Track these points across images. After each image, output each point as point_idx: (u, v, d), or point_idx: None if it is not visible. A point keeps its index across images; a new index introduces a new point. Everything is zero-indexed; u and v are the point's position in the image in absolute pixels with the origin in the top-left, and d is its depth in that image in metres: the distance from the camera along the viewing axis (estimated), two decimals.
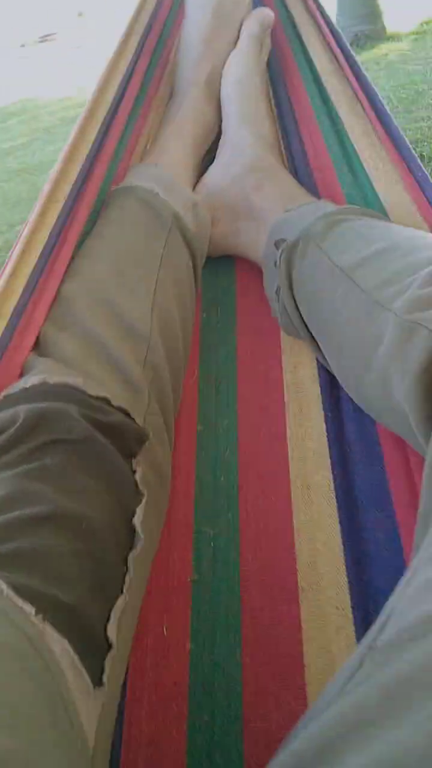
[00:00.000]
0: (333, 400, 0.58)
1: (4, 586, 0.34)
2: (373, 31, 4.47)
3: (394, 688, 0.26)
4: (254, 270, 0.67)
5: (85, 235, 0.62)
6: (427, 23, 4.55)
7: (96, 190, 0.63)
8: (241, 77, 0.73)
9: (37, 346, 0.53)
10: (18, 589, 0.34)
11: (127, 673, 0.44)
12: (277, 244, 0.61)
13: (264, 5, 0.77)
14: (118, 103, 0.69)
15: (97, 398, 0.47)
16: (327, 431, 0.56)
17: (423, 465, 0.38)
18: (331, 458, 0.54)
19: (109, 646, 0.38)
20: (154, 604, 0.48)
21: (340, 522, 0.50)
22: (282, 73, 0.76)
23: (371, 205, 0.63)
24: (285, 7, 0.78)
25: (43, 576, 0.36)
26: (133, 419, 0.48)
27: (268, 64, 0.77)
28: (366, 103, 0.68)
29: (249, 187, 0.67)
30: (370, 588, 0.46)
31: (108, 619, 0.39)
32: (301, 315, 0.59)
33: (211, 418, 0.60)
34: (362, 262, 0.52)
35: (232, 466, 0.56)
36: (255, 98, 0.72)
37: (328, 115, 0.70)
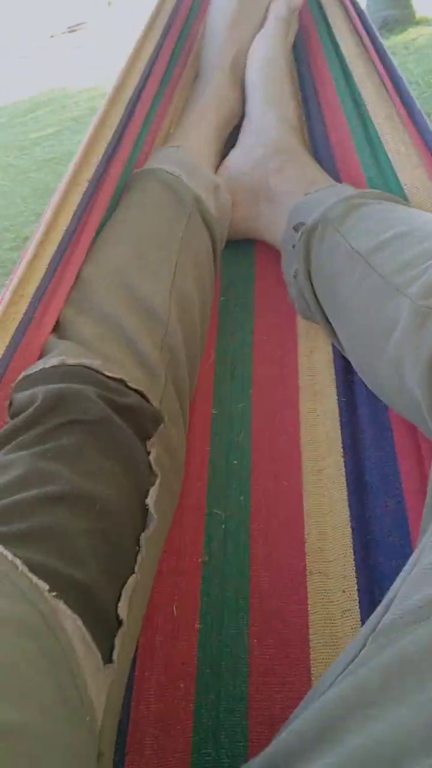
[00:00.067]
0: (347, 384, 0.58)
1: (20, 563, 0.34)
2: (403, 15, 4.41)
3: (396, 670, 0.26)
4: (273, 254, 0.67)
5: (107, 217, 0.62)
6: None
7: (118, 173, 0.63)
8: (267, 60, 0.72)
9: (57, 328, 0.53)
10: (33, 567, 0.35)
11: (136, 651, 0.45)
12: (296, 228, 0.61)
13: None
14: (142, 88, 0.69)
15: (114, 380, 0.47)
16: (340, 416, 0.56)
17: None
18: (343, 443, 0.54)
19: (120, 624, 0.38)
20: (165, 584, 0.48)
21: (350, 506, 0.50)
22: (307, 56, 0.76)
23: (392, 189, 0.63)
24: None
25: (58, 554, 0.37)
26: (149, 401, 0.49)
27: (294, 46, 0.76)
28: (390, 87, 0.67)
29: (270, 171, 0.67)
30: (376, 572, 0.46)
31: (119, 598, 0.39)
32: (317, 299, 0.59)
33: (226, 401, 0.60)
34: (380, 246, 0.52)
35: (246, 449, 0.56)
36: (280, 81, 0.72)
37: (352, 98, 0.70)
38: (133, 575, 0.41)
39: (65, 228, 0.57)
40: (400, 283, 0.47)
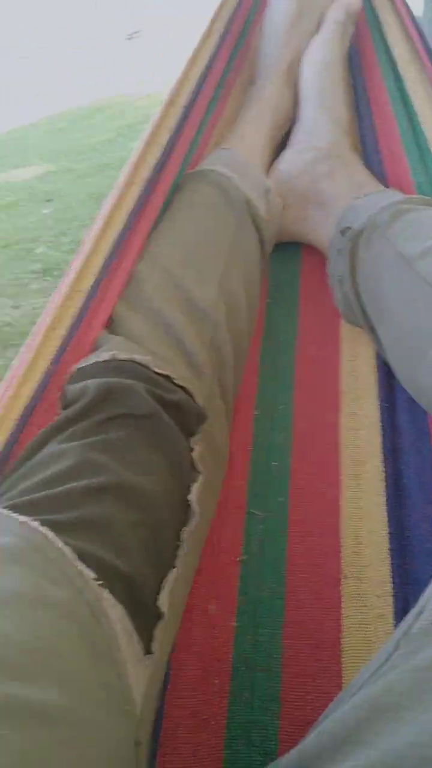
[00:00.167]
0: (389, 390, 0.58)
1: (68, 551, 0.35)
2: None
3: (426, 674, 0.26)
4: (320, 257, 0.67)
5: (160, 217, 0.63)
6: None
7: (173, 174, 0.65)
8: (323, 63, 0.73)
9: (109, 324, 0.55)
10: (80, 555, 0.36)
11: (173, 646, 0.45)
12: (343, 232, 0.61)
13: None
14: (198, 92, 0.70)
15: (163, 376, 0.48)
16: (381, 420, 0.56)
17: None
18: (382, 448, 0.54)
19: (160, 617, 0.39)
20: (204, 581, 0.49)
21: (387, 511, 0.50)
22: (360, 60, 0.76)
23: None
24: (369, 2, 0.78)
25: (104, 544, 0.38)
26: (195, 399, 0.50)
27: (348, 51, 0.77)
28: None
29: (320, 174, 0.67)
30: (412, 578, 0.46)
31: (160, 590, 0.40)
32: (362, 303, 0.59)
33: (268, 403, 0.60)
34: (426, 252, 0.52)
35: (286, 451, 0.56)
36: (335, 84, 0.72)
37: (403, 104, 0.70)
38: (175, 569, 0.42)
39: (120, 226, 0.59)
40: None
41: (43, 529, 0.36)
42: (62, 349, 0.52)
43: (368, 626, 0.45)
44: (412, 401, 0.55)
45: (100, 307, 0.55)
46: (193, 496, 0.45)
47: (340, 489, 0.53)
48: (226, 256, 0.59)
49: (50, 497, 0.39)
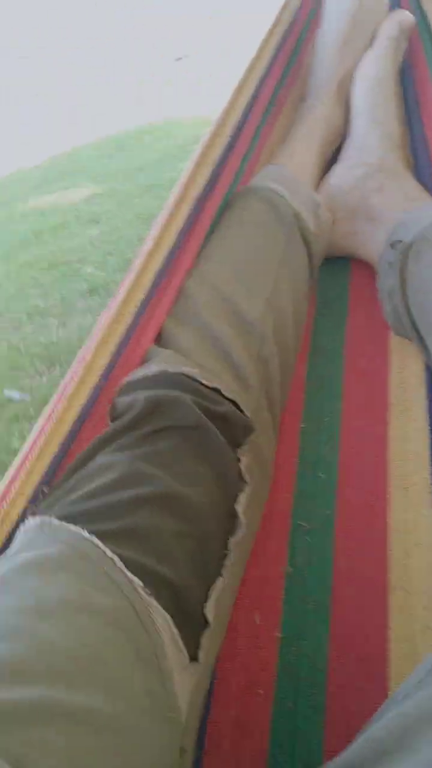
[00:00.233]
0: None
1: (117, 560, 0.36)
2: None
3: None
4: (369, 271, 0.68)
5: (210, 234, 0.64)
6: None
7: (223, 192, 0.66)
8: (376, 80, 0.73)
9: (158, 338, 0.56)
10: (128, 563, 0.37)
11: (218, 655, 0.46)
12: (393, 245, 0.61)
13: (401, 7, 0.77)
14: (250, 107, 0.71)
15: (210, 389, 0.49)
16: (430, 433, 0.56)
17: None
18: (431, 461, 0.54)
19: (206, 625, 0.40)
20: (249, 591, 0.49)
21: None
22: (413, 75, 0.76)
23: None
24: (420, 8, 0.77)
25: (152, 553, 0.39)
26: (242, 411, 0.50)
27: (401, 67, 0.76)
28: None
29: (371, 189, 0.68)
30: None
31: (207, 599, 0.41)
32: (411, 316, 0.59)
33: (315, 415, 0.60)
34: None
35: (333, 464, 0.56)
36: (386, 100, 0.72)
37: None
38: (221, 578, 0.42)
39: (170, 245, 0.60)
40: None
41: (91, 538, 0.37)
42: (112, 363, 0.53)
43: (415, 637, 0.44)
44: None
45: (150, 323, 0.56)
46: (239, 507, 0.46)
47: (388, 501, 0.53)
48: (275, 273, 0.60)
49: (98, 507, 0.40)
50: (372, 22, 0.75)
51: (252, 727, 0.43)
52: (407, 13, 0.74)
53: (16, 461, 0.49)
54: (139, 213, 3.57)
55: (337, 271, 0.72)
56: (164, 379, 0.49)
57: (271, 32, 0.77)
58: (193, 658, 0.38)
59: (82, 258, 3.20)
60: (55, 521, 0.39)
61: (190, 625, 0.39)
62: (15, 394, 2.08)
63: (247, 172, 0.70)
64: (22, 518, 0.43)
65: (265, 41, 0.76)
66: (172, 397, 0.47)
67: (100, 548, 0.37)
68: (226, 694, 0.45)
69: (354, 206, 0.69)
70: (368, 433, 0.58)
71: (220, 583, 0.42)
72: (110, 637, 0.33)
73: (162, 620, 0.36)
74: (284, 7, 0.79)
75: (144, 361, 0.54)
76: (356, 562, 0.50)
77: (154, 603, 0.36)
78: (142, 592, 0.36)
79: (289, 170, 0.70)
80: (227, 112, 0.69)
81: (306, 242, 0.64)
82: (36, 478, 0.47)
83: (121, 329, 0.55)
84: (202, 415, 0.47)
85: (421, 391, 0.59)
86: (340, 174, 0.71)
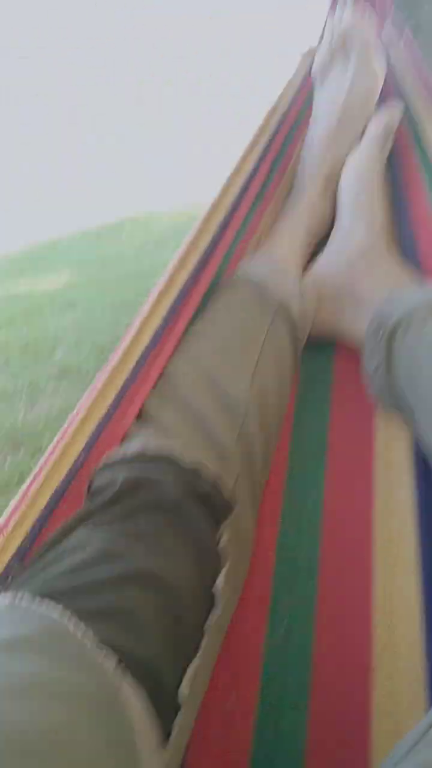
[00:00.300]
0: (424, 480, 0.58)
1: (89, 638, 0.35)
2: None
3: None
4: (352, 353, 0.69)
5: (197, 316, 0.65)
6: None
7: (210, 277, 0.67)
8: (362, 173, 0.76)
9: (140, 415, 0.56)
10: (104, 642, 0.35)
11: (190, 737, 0.43)
12: (379, 323, 0.62)
13: (388, 106, 0.81)
14: (239, 201, 0.74)
15: (191, 466, 0.49)
16: (415, 510, 0.56)
17: None
18: (417, 539, 0.54)
19: (180, 706, 0.38)
20: (225, 671, 0.48)
21: (422, 602, 0.49)
22: (399, 170, 0.79)
23: None
24: (409, 109, 0.81)
25: (127, 631, 0.38)
26: (223, 488, 0.50)
27: (388, 159, 0.80)
28: None
29: (357, 273, 0.70)
30: None
31: (182, 679, 0.39)
32: (398, 392, 0.60)
33: (298, 494, 0.60)
34: None
35: (315, 542, 0.56)
36: (371, 192, 0.75)
37: None
38: (197, 657, 0.41)
39: (158, 324, 0.61)
40: None
41: (66, 617, 0.36)
42: (93, 439, 0.53)
43: (400, 718, 0.44)
44: None
45: (133, 400, 0.56)
46: (218, 586, 0.45)
47: (372, 579, 0.52)
48: (259, 353, 0.61)
49: (74, 585, 0.39)
50: (360, 120, 0.79)
51: None
52: (395, 112, 0.78)
53: None
54: (115, 300, 3.64)
55: (321, 353, 0.73)
56: (144, 457, 0.49)
57: (264, 125, 0.81)
58: (166, 738, 0.37)
59: (55, 342, 3.24)
60: (29, 597, 0.37)
61: (164, 705, 0.37)
62: None
63: (234, 259, 0.72)
64: None
65: (258, 135, 0.80)
66: (152, 475, 0.47)
67: (74, 626, 0.35)
68: None
69: (339, 290, 0.70)
70: (352, 511, 0.58)
71: (195, 662, 0.41)
72: (83, 717, 0.31)
73: (135, 701, 0.34)
74: (273, 111, 0.84)
75: (125, 438, 0.54)
76: (338, 642, 0.49)
77: (127, 683, 0.35)
78: (115, 672, 0.34)
79: (275, 257, 0.72)
80: (218, 200, 0.72)
81: (290, 326, 0.66)
82: (8, 554, 0.46)
83: (104, 405, 0.55)
84: (183, 492, 0.47)
85: (406, 469, 0.59)
86: (327, 259, 0.74)
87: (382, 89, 0.80)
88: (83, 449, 0.53)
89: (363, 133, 0.79)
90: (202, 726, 0.45)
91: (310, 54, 0.92)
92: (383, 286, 0.67)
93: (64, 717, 0.31)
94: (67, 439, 0.53)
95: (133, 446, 0.50)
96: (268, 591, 0.53)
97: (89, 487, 0.50)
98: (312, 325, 0.71)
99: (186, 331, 0.63)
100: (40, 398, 2.61)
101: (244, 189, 0.75)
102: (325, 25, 0.85)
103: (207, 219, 0.70)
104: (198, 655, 0.41)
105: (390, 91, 0.84)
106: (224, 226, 0.71)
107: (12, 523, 0.48)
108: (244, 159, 0.77)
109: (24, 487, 0.52)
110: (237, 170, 0.75)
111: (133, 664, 0.36)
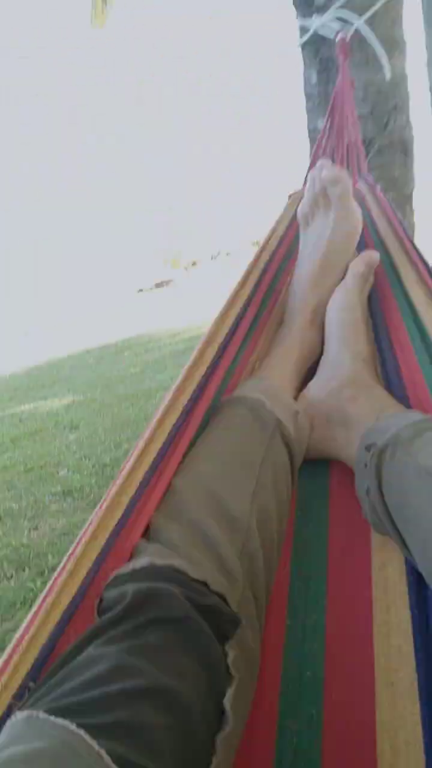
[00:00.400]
0: (420, 598, 0.59)
1: (104, 754, 0.36)
2: None
3: None
4: (347, 472, 0.72)
5: (198, 437, 0.69)
6: None
7: (209, 400, 0.72)
8: (344, 307, 0.82)
9: (147, 533, 0.59)
10: (116, 758, 0.36)
11: None
12: (368, 448, 0.66)
13: (367, 249, 0.89)
14: (233, 331, 0.80)
15: (198, 582, 0.51)
16: (413, 629, 0.57)
17: None
18: (415, 656, 0.54)
19: None
20: None
21: (423, 721, 0.50)
22: (381, 304, 0.86)
23: None
24: (386, 251, 0.89)
25: (139, 748, 0.38)
26: (229, 604, 0.52)
27: (369, 296, 0.87)
28: None
29: (345, 399, 0.74)
30: None
31: None
32: (390, 513, 0.62)
33: (301, 612, 0.61)
34: None
35: (319, 662, 0.56)
36: (355, 324, 0.81)
37: (421, 339, 0.78)
38: None
39: (160, 445, 0.65)
40: None
41: (80, 732, 0.37)
42: (102, 557, 0.56)
43: None
44: None
45: (139, 518, 0.59)
46: (227, 702, 0.46)
47: (375, 699, 0.53)
48: (258, 471, 0.65)
49: (86, 701, 0.40)
50: (342, 260, 0.87)
51: None
52: (374, 253, 0.86)
53: (2, 656, 0.49)
54: (117, 420, 3.70)
55: (318, 472, 0.76)
56: (152, 572, 0.51)
57: (253, 264, 0.89)
58: None
59: (58, 461, 3.26)
60: (43, 715, 0.39)
61: None
62: None
63: (230, 385, 0.77)
64: (8, 713, 0.42)
65: (248, 273, 0.87)
66: (160, 590, 0.49)
67: (87, 742, 0.36)
68: None
69: (330, 414, 0.75)
70: (353, 630, 0.59)
71: None
72: None
73: None
74: (263, 249, 0.92)
75: (133, 555, 0.56)
76: (345, 764, 0.49)
77: None
78: None
79: (269, 382, 0.77)
80: (213, 333, 0.78)
81: (287, 445, 0.70)
82: (23, 672, 0.47)
83: (111, 525, 0.58)
84: (191, 607, 0.48)
85: (402, 587, 0.61)
86: (317, 386, 0.79)
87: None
88: (92, 567, 0.55)
89: (346, 270, 0.86)
90: None
91: (297, 197, 1.03)
92: (370, 413, 0.71)
93: None
94: (77, 556, 0.55)
95: (141, 562, 0.52)
96: (275, 710, 0.54)
97: (99, 603, 0.52)
98: (307, 445, 0.75)
99: (187, 451, 0.67)
100: (45, 517, 2.61)
101: (239, 319, 0.81)
102: (307, 174, 0.95)
103: (203, 348, 0.76)
104: None
105: (367, 236, 0.93)
106: (220, 355, 0.76)
107: (26, 640, 0.49)
108: (237, 292, 0.84)
109: (37, 604, 0.53)
110: (230, 303, 0.82)
111: None
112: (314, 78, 1.45)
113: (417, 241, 0.90)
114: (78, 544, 0.57)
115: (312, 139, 1.53)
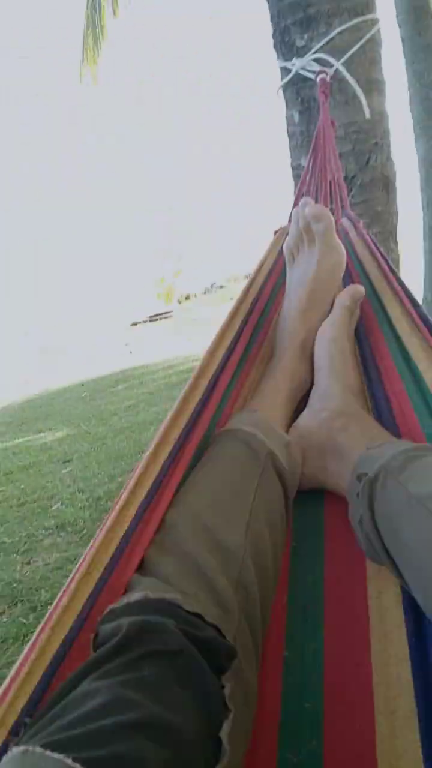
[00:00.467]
0: (416, 625, 0.60)
1: None
2: None
3: None
4: (341, 502, 0.72)
5: (191, 470, 0.70)
6: None
7: (201, 433, 0.73)
8: (333, 339, 0.84)
9: (141, 566, 0.59)
10: None
11: None
12: (359, 478, 0.67)
13: (353, 283, 0.91)
14: (224, 364, 0.81)
15: (192, 614, 0.51)
16: (410, 656, 0.57)
17: None
18: (414, 684, 0.55)
19: None
20: None
21: (423, 749, 0.50)
22: (367, 336, 0.87)
23: None
24: (371, 284, 0.92)
25: None
26: (224, 636, 0.52)
27: (356, 329, 0.89)
28: None
29: (336, 429, 0.76)
30: None
31: None
32: (383, 542, 0.63)
33: (298, 643, 0.62)
34: None
35: (318, 692, 0.57)
36: (344, 356, 0.83)
37: (408, 368, 0.80)
38: None
39: (153, 479, 0.65)
40: None
41: (76, 766, 0.37)
42: (97, 591, 0.56)
43: None
44: None
45: (133, 552, 0.60)
46: (224, 734, 0.46)
47: (375, 727, 0.53)
48: (252, 502, 0.65)
49: (82, 735, 0.40)
50: (328, 295, 0.89)
51: None
52: (359, 287, 0.88)
53: None
54: (111, 453, 3.68)
55: (312, 502, 0.77)
56: (147, 606, 0.52)
57: (242, 299, 0.91)
58: None
59: (52, 495, 3.24)
60: (38, 749, 0.39)
61: None
62: None
63: (222, 418, 0.78)
64: (4, 748, 0.43)
65: (237, 307, 0.89)
66: (155, 623, 0.49)
67: None
68: None
69: (322, 444, 0.76)
70: (351, 659, 0.59)
71: None
72: None
73: None
74: (251, 283, 0.95)
75: (127, 589, 0.56)
76: None
77: None
78: None
79: (261, 415, 0.78)
80: (204, 367, 0.79)
81: (280, 476, 0.71)
82: (18, 708, 0.47)
83: (105, 559, 0.59)
84: (186, 640, 0.48)
85: (399, 615, 0.61)
86: (308, 417, 0.80)
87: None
88: (87, 602, 0.55)
89: (333, 304, 0.89)
90: None
91: (282, 232, 1.05)
92: (360, 443, 0.72)
93: None
94: (72, 591, 0.56)
95: (135, 596, 0.53)
96: (275, 741, 0.54)
97: (95, 637, 0.52)
98: (300, 475, 0.76)
99: (180, 484, 0.68)
100: (37, 551, 2.59)
101: (229, 353, 0.83)
102: (292, 213, 0.98)
103: (194, 383, 0.77)
104: None
105: (352, 270, 0.95)
106: (211, 389, 0.78)
107: (22, 676, 0.49)
108: (227, 327, 0.86)
109: (31, 640, 0.54)
110: (221, 338, 0.84)
111: None
112: (296, 117, 1.50)
113: (402, 274, 0.93)
114: (72, 579, 0.58)
115: (296, 176, 1.57)
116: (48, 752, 0.38)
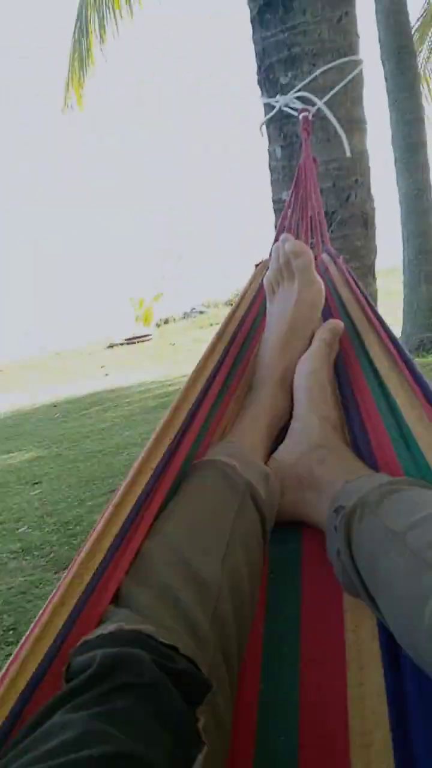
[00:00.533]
0: (392, 658, 0.60)
1: None
2: None
3: None
4: (318, 534, 0.73)
5: (168, 500, 0.69)
6: None
7: (180, 463, 0.73)
8: (312, 372, 0.85)
9: (116, 598, 0.58)
10: None
11: None
12: (337, 511, 0.67)
13: (332, 317, 0.93)
14: (204, 394, 0.82)
15: (167, 646, 0.51)
16: (386, 690, 0.58)
17: None
18: (389, 716, 0.55)
19: None
20: None
21: None
22: (346, 370, 0.89)
23: (425, 477, 0.70)
24: (350, 319, 0.93)
25: None
26: (199, 668, 0.51)
27: (335, 362, 0.90)
28: (420, 394, 0.78)
29: (314, 462, 0.76)
30: None
31: None
32: (360, 574, 0.63)
33: (274, 675, 0.61)
34: (412, 526, 0.58)
35: (293, 726, 0.56)
36: (323, 389, 0.84)
37: (386, 403, 0.81)
38: None
39: (130, 509, 0.65)
40: (431, 558, 0.54)
41: None
42: (70, 624, 0.55)
43: None
44: (417, 668, 0.57)
45: (108, 583, 0.59)
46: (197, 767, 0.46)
47: (351, 761, 0.53)
48: (229, 534, 0.65)
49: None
50: (308, 328, 0.90)
51: None
52: (338, 322, 0.90)
53: None
54: (82, 476, 3.64)
55: (289, 535, 0.77)
56: (121, 638, 0.51)
57: (223, 330, 0.92)
58: None
59: (19, 518, 3.19)
60: None
61: None
62: None
63: (201, 449, 0.78)
64: None
65: (218, 338, 0.90)
66: (128, 655, 0.48)
67: None
68: None
69: (300, 476, 0.77)
70: (327, 692, 0.59)
71: None
72: None
73: None
74: (231, 315, 0.96)
75: (102, 621, 0.56)
76: None
77: None
78: None
79: (240, 446, 0.79)
80: (182, 399, 0.80)
81: (258, 508, 0.71)
82: None
83: (79, 590, 0.58)
84: (160, 672, 0.48)
85: (375, 648, 0.62)
86: (287, 450, 0.81)
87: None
88: (60, 633, 0.54)
89: (312, 338, 0.90)
90: None
91: (263, 266, 1.07)
92: (338, 475, 0.73)
93: None
94: (44, 623, 0.55)
95: (109, 627, 0.52)
96: None
97: (67, 669, 0.51)
98: (278, 507, 0.76)
99: (158, 515, 0.67)
100: (2, 575, 2.54)
101: (209, 384, 0.83)
102: (272, 248, 1.00)
103: (173, 413, 0.77)
104: None
105: (331, 304, 0.97)
106: (190, 420, 0.78)
107: None
108: (207, 358, 0.87)
109: (3, 669, 0.53)
110: (201, 369, 0.85)
111: None
112: (279, 153, 1.53)
113: (380, 309, 0.95)
114: (45, 609, 0.57)
115: (276, 210, 1.60)
116: None
